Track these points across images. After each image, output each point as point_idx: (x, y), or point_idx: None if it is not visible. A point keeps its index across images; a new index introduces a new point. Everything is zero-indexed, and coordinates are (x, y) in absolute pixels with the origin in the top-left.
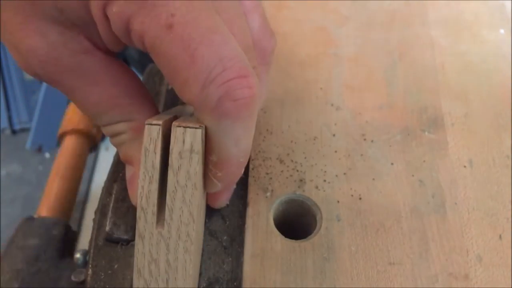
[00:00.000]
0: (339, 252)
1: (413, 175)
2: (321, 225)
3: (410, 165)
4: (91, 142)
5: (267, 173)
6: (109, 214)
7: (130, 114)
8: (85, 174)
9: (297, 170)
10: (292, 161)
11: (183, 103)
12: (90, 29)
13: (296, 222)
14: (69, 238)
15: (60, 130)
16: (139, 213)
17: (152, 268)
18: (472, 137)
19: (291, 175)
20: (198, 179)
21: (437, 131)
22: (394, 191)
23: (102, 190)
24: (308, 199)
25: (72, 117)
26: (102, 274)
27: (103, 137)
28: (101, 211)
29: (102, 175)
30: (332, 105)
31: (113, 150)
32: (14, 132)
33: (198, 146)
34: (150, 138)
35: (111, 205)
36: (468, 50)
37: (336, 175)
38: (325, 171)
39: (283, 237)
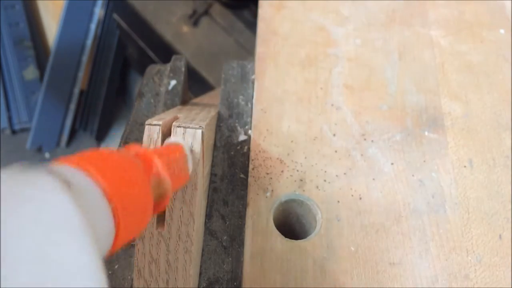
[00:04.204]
0: (339, 252)
1: (413, 175)
2: (321, 225)
3: (410, 165)
4: None
5: (267, 173)
6: None
7: None
8: None
9: (297, 170)
10: (292, 161)
11: (183, 103)
12: None
13: (296, 222)
14: None
15: None
16: None
17: (152, 268)
18: (472, 137)
19: (291, 175)
20: (198, 179)
21: (437, 131)
22: (394, 191)
23: None
24: (308, 199)
25: None
26: None
27: (103, 137)
28: None
29: None
30: (332, 105)
31: None
32: (14, 132)
33: (198, 146)
34: (150, 139)
35: None
36: (468, 50)
37: (336, 175)
38: (325, 171)
39: (283, 237)
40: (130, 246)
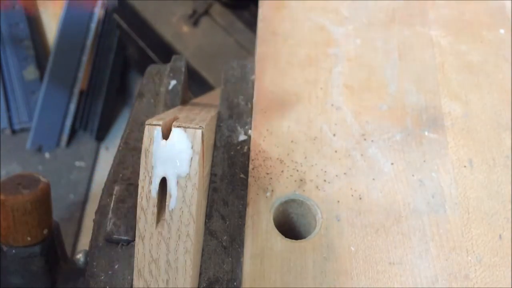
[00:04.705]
0: (339, 252)
1: (413, 175)
2: (321, 225)
3: (410, 165)
4: None
5: (267, 173)
6: (109, 214)
7: None
8: (85, 174)
9: (297, 170)
10: (292, 161)
11: (183, 103)
12: None
13: (296, 222)
14: None
15: None
16: (139, 213)
17: (152, 268)
18: (472, 137)
19: (291, 175)
20: (198, 179)
21: (437, 131)
22: (394, 191)
23: (103, 191)
24: (308, 199)
25: None
26: (102, 274)
27: (103, 137)
28: (101, 212)
29: (102, 176)
30: (332, 105)
31: (113, 150)
32: (14, 132)
33: (198, 147)
34: (150, 139)
35: (111, 205)
36: (468, 50)
37: (336, 175)
38: (325, 171)
39: (283, 237)
40: (130, 246)
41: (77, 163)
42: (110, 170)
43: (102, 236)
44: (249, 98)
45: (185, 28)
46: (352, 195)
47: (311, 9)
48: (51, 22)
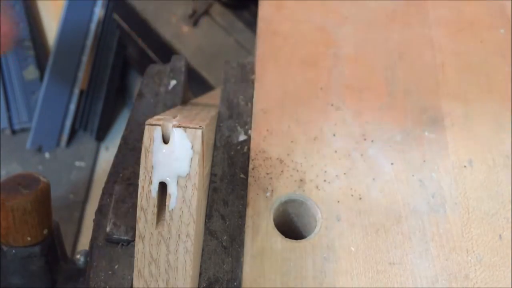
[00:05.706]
0: (339, 252)
1: (413, 175)
2: (321, 225)
3: (410, 165)
4: None
5: (267, 173)
6: (109, 214)
7: None
8: (85, 174)
9: (297, 170)
10: (292, 161)
11: (183, 103)
12: None
13: (296, 222)
14: None
15: None
16: (139, 213)
17: (152, 268)
18: (472, 137)
19: (291, 175)
20: (198, 179)
21: (437, 131)
22: (394, 191)
23: (103, 191)
24: (308, 199)
25: None
26: (102, 274)
27: (103, 137)
28: (101, 212)
29: (102, 176)
30: (332, 105)
31: (113, 150)
32: (14, 132)
33: (198, 147)
34: (150, 139)
35: (111, 206)
36: (468, 50)
37: (336, 175)
38: (325, 171)
39: (283, 237)
40: (130, 246)
41: (77, 163)
42: (110, 170)
43: (102, 236)
44: (249, 98)
45: (185, 28)
46: (352, 195)
47: (311, 9)
48: (51, 22)
